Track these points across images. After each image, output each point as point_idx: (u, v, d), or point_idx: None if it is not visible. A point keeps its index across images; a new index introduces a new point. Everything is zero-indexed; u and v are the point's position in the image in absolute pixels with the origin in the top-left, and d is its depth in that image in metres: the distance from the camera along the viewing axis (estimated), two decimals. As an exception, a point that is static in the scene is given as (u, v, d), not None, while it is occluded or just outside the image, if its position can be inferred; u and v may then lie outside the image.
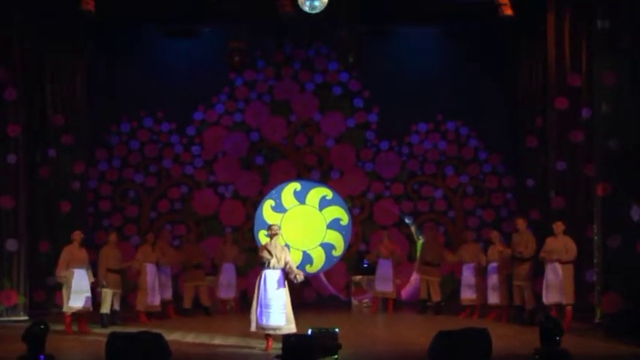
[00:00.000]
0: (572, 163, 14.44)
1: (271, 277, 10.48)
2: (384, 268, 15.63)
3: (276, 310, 10.39)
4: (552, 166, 14.71)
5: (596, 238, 12.91)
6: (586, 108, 14.00)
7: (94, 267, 13.34)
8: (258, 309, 10.43)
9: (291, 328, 10.40)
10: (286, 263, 10.52)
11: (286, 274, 10.60)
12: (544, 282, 12.88)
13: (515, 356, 9.97)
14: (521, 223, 13.74)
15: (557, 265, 12.68)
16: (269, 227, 10.89)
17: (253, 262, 16.30)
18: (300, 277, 10.60)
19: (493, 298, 14.02)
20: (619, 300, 12.23)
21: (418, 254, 16.48)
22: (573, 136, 14.36)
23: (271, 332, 10.36)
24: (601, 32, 12.85)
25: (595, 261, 12.94)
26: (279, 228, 10.77)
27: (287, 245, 10.80)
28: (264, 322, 10.40)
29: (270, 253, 10.49)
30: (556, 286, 12.66)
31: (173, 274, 15.23)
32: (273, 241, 10.61)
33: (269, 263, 10.47)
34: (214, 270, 15.69)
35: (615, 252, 12.38)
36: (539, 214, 15.19)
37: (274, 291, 10.42)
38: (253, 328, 10.55)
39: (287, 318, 10.46)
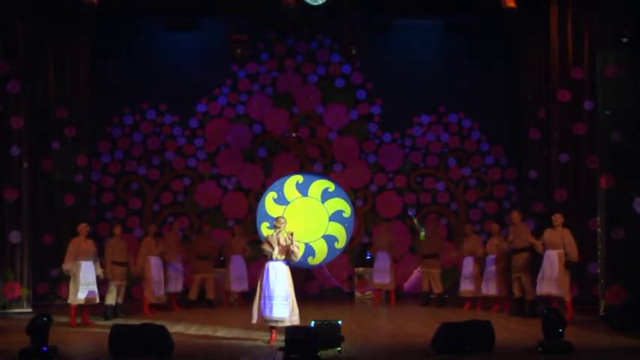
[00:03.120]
0: (575, 156, 14.45)
1: (274, 268, 10.49)
2: (382, 260, 15.63)
3: (279, 301, 10.39)
4: (555, 158, 14.71)
5: (599, 230, 12.91)
6: (588, 100, 14.00)
7: (100, 259, 13.34)
8: (262, 301, 10.43)
9: (295, 320, 10.40)
10: (288, 249, 10.51)
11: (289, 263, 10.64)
12: (540, 274, 12.76)
13: (519, 348, 9.97)
14: (516, 216, 13.71)
15: (554, 258, 12.60)
16: (277, 219, 10.86)
17: (256, 254, 16.38)
18: (295, 256, 10.52)
19: (489, 290, 14.03)
20: (623, 292, 12.25)
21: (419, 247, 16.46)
22: (576, 129, 14.35)
23: (274, 324, 10.36)
24: (603, 25, 12.85)
25: (598, 253, 12.94)
26: (285, 221, 10.71)
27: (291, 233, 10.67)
28: (267, 313, 10.40)
29: (271, 245, 10.50)
30: (551, 279, 12.58)
31: (183, 266, 15.20)
32: (276, 233, 10.60)
33: (271, 255, 10.49)
34: (222, 262, 15.70)
35: (619, 244, 12.38)
36: (542, 207, 15.19)
37: (277, 283, 10.43)
38: (255, 320, 10.54)
39: (291, 310, 10.46)
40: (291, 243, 10.42)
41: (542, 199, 15.36)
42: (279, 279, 10.45)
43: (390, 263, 15.58)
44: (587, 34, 14.16)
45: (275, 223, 10.71)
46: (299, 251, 10.55)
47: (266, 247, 10.55)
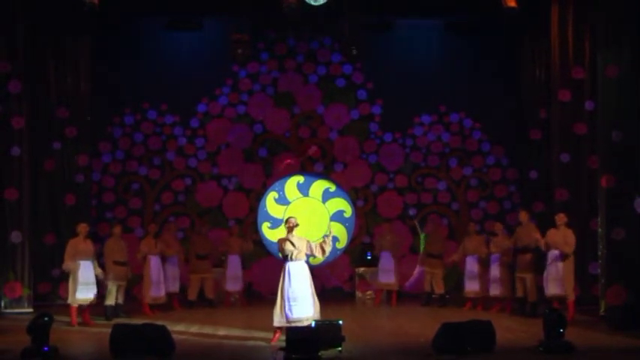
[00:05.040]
0: (576, 156, 14.46)
1: (295, 269, 10.49)
2: (386, 260, 15.64)
3: (303, 301, 10.39)
4: (556, 158, 14.71)
5: (600, 230, 12.91)
6: (589, 100, 14.01)
7: (99, 259, 13.36)
8: (286, 303, 10.36)
9: (317, 316, 10.43)
10: (311, 249, 10.60)
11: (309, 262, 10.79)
12: (545, 274, 12.87)
13: (520, 348, 9.98)
14: (523, 216, 13.73)
15: (558, 258, 12.66)
16: (286, 220, 10.85)
17: (256, 254, 16.40)
18: (327, 248, 10.67)
19: (495, 290, 14.04)
20: (623, 292, 12.22)
21: (422, 247, 16.46)
22: (577, 129, 14.37)
23: (299, 324, 10.20)
24: (604, 25, 12.85)
25: (599, 253, 12.95)
26: (296, 221, 10.74)
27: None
28: (294, 315, 10.32)
29: (293, 244, 10.49)
30: (556, 279, 12.64)
31: (180, 265, 15.17)
32: (292, 233, 10.61)
33: (292, 255, 10.47)
34: (221, 262, 15.68)
35: (619, 244, 12.38)
36: (543, 207, 15.19)
37: (298, 283, 10.42)
38: (278, 323, 10.42)
39: (315, 307, 10.48)
40: (329, 234, 10.69)
41: (542, 199, 15.36)
42: (300, 279, 10.47)
43: (394, 263, 15.60)
44: (588, 33, 14.16)
45: (288, 225, 10.69)
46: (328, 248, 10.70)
47: (288, 246, 10.52)
